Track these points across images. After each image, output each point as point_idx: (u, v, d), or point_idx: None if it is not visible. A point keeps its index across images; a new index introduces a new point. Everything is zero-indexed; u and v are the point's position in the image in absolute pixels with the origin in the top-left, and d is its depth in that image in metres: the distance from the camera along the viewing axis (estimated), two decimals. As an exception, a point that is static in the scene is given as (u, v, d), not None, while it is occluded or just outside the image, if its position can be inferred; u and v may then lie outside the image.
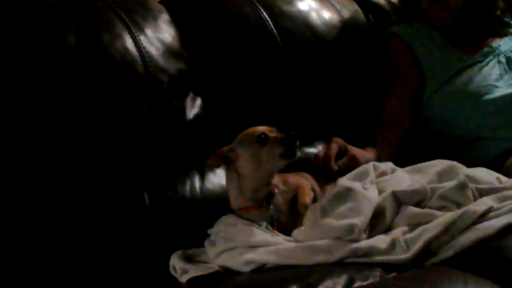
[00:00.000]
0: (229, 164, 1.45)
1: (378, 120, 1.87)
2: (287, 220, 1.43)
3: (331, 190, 1.44)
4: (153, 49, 1.64)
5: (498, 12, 1.98)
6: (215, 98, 1.73)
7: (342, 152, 1.61)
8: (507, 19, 2.00)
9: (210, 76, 1.74)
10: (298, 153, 1.41)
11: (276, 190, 1.44)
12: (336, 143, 1.60)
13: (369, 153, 1.69)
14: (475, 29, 1.96)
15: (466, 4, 1.92)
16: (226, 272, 1.31)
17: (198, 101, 1.69)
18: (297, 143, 1.40)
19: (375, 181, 1.48)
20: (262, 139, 1.40)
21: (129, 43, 1.60)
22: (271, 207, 1.43)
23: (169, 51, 1.67)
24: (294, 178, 1.49)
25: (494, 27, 1.97)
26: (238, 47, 1.79)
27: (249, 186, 1.43)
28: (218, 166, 1.49)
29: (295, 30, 1.87)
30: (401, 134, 1.85)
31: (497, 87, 1.83)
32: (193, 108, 1.68)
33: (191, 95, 1.68)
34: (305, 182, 1.49)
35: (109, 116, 1.54)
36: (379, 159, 1.68)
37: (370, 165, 1.55)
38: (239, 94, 1.76)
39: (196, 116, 1.67)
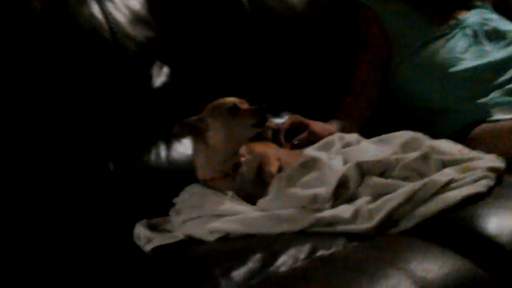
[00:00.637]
0: (197, 135, 1.45)
1: (344, 91, 1.87)
2: (253, 189, 1.44)
3: (297, 159, 1.44)
4: (120, 16, 1.62)
5: None
6: (182, 66, 1.72)
7: (301, 128, 1.62)
8: None
9: (177, 44, 1.73)
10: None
11: (242, 159, 1.44)
12: (292, 119, 1.60)
13: (331, 126, 1.70)
14: (443, 0, 1.96)
15: None
16: (190, 241, 1.31)
17: (165, 70, 1.68)
18: (267, 115, 1.41)
19: (341, 152, 1.49)
20: (234, 110, 1.40)
21: (95, 9, 1.59)
22: (237, 177, 1.43)
23: (136, 18, 1.66)
24: (259, 147, 1.50)
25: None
26: (204, 14, 1.78)
27: (217, 156, 1.43)
28: (185, 136, 1.50)
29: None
30: (366, 105, 1.86)
31: (463, 59, 1.84)
32: (160, 76, 1.67)
33: (158, 63, 1.67)
34: (271, 151, 1.50)
35: (75, 83, 1.53)
36: (344, 129, 1.69)
37: (336, 136, 1.57)
38: (206, 62, 1.75)
39: (163, 85, 1.66)
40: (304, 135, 1.61)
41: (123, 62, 1.59)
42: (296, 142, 1.57)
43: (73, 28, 1.53)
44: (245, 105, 1.42)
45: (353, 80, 1.89)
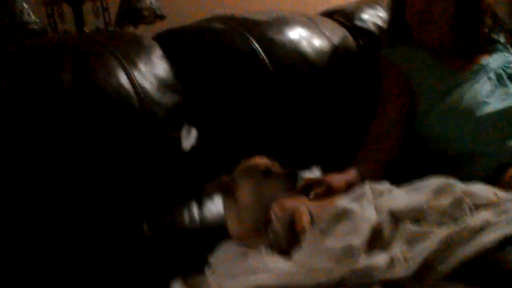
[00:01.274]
0: (227, 194, 1.46)
1: (364, 140, 1.88)
2: (287, 245, 1.43)
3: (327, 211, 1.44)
4: (147, 84, 1.66)
5: (486, 30, 2.00)
6: (210, 128, 1.75)
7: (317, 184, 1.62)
8: (495, 36, 2.03)
9: (205, 108, 1.77)
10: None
11: (273, 217, 1.45)
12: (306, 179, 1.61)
13: (349, 175, 1.69)
14: (464, 47, 1.98)
15: (453, 23, 1.95)
16: (228, 299, 1.31)
17: (194, 132, 1.71)
18: (300, 179, 1.44)
19: (373, 202, 1.49)
20: (267, 174, 1.43)
21: (123, 79, 1.63)
22: (270, 233, 1.44)
23: (162, 84, 1.70)
24: (290, 203, 1.50)
25: (482, 44, 1.99)
26: (230, 78, 1.82)
27: (248, 215, 1.44)
28: (215, 192, 1.51)
29: (286, 59, 1.89)
30: (386, 151, 1.84)
31: (488, 103, 1.84)
32: (189, 138, 1.70)
33: (186, 126, 1.70)
34: (301, 206, 1.50)
35: (108, 151, 1.56)
36: (363, 177, 1.68)
37: (367, 187, 1.56)
38: (233, 124, 1.78)
39: (192, 147, 1.69)
40: (320, 189, 1.60)
41: (153, 127, 1.63)
42: (311, 197, 1.57)
43: (102, 97, 1.58)
44: (277, 168, 1.44)
45: (372, 127, 1.89)
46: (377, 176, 1.70)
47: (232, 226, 1.46)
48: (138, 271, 1.49)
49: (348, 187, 1.61)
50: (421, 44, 1.98)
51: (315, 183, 1.60)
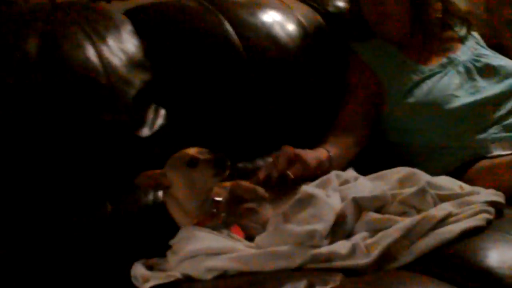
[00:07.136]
0: (165, 190, 1.47)
1: (332, 126, 1.87)
2: (235, 216, 1.45)
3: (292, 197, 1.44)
4: (116, 59, 1.63)
5: (437, 14, 1.98)
6: (179, 108, 1.73)
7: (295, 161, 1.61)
8: (450, 23, 2.02)
9: (174, 87, 1.74)
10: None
11: (217, 198, 1.45)
12: (286, 152, 1.59)
13: (320, 154, 1.68)
14: (426, 38, 1.97)
15: (410, 13, 1.93)
16: (187, 280, 1.30)
17: (162, 112, 1.69)
18: (227, 163, 1.42)
19: (338, 189, 1.49)
20: (192, 163, 1.42)
21: (91, 53, 1.60)
22: (222, 214, 1.44)
23: (131, 61, 1.67)
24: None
25: (434, 29, 1.97)
26: (201, 58, 1.79)
27: (189, 206, 1.44)
28: (150, 188, 1.53)
29: (258, 42, 1.87)
30: (353, 140, 1.83)
31: (457, 96, 1.84)
32: (157, 118, 1.68)
33: (154, 106, 1.68)
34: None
35: (71, 127, 1.53)
36: (331, 160, 1.68)
37: (332, 174, 1.56)
38: (202, 104, 1.76)
39: (160, 127, 1.67)
40: (297, 168, 1.59)
41: (120, 105, 1.60)
42: (291, 176, 1.56)
43: (68, 71, 1.54)
44: (205, 155, 1.43)
45: (340, 115, 1.89)
46: (343, 162, 1.71)
47: (179, 219, 1.46)
48: (100, 250, 1.47)
49: (320, 167, 1.62)
50: (387, 39, 1.97)
51: (292, 160, 1.59)
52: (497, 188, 1.46)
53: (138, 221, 1.54)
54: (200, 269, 1.29)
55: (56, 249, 1.44)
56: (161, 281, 1.30)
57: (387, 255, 1.24)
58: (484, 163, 1.74)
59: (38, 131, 1.48)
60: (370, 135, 1.90)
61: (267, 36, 1.91)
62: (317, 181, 1.57)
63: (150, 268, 1.38)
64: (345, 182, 1.54)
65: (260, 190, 1.46)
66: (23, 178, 1.46)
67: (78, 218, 1.48)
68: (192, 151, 1.44)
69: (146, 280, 1.33)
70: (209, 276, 1.27)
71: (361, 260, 1.22)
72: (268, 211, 1.46)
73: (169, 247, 1.43)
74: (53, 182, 1.49)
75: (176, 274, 1.31)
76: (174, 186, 1.44)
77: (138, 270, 1.36)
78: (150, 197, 1.58)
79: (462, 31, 2.04)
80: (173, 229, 1.45)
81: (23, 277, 1.39)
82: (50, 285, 1.39)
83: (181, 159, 1.44)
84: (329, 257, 1.24)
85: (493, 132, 1.80)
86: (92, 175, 1.54)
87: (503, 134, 1.80)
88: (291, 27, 1.97)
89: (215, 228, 1.41)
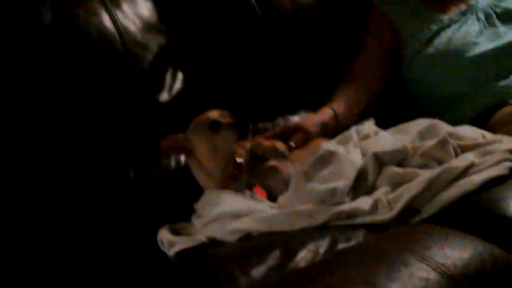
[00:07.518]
0: (188, 154, 1.47)
1: (343, 78, 1.86)
2: (258, 175, 1.45)
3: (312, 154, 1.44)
4: (131, 24, 1.63)
5: None
6: (196, 71, 1.72)
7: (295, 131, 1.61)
8: None
9: (190, 49, 1.74)
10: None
11: (238, 159, 1.45)
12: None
13: (323, 115, 1.68)
14: None
15: None
16: (212, 243, 1.32)
17: (180, 75, 1.69)
18: (250, 126, 1.43)
19: (358, 145, 1.49)
20: (215, 126, 1.42)
21: (106, 19, 1.60)
22: (244, 175, 1.44)
23: (146, 26, 1.67)
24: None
25: None
26: (216, 20, 1.79)
27: (213, 169, 1.45)
28: (173, 153, 1.54)
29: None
30: (362, 90, 1.83)
31: (478, 43, 1.81)
32: (175, 82, 1.68)
33: (171, 69, 1.68)
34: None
35: (89, 95, 1.54)
36: (337, 117, 1.68)
37: (353, 129, 1.56)
38: (220, 66, 1.76)
39: (178, 91, 1.67)
40: (297, 137, 1.59)
41: (137, 70, 1.60)
42: (293, 145, 1.56)
43: (83, 38, 1.55)
44: (227, 119, 1.44)
45: (353, 65, 1.88)
46: (354, 115, 1.70)
47: (203, 182, 1.47)
48: (125, 216, 1.49)
49: (324, 129, 1.62)
50: None
51: (292, 130, 1.59)
52: (520, 135, 1.45)
53: (162, 186, 1.56)
54: (224, 231, 1.30)
55: (82, 219, 1.46)
56: (187, 245, 1.32)
57: (410, 208, 1.23)
58: (507, 109, 1.71)
59: (56, 100, 1.49)
60: (382, 87, 1.88)
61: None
62: (338, 137, 1.57)
63: (175, 232, 1.40)
64: (366, 137, 1.54)
65: (280, 148, 1.46)
66: (44, 148, 1.48)
67: (102, 185, 1.50)
68: (214, 114, 1.45)
69: (172, 245, 1.34)
70: (233, 238, 1.29)
71: (384, 215, 1.22)
72: (289, 168, 1.46)
73: (194, 210, 1.44)
74: (74, 151, 1.51)
75: (201, 237, 1.32)
76: (197, 150, 1.45)
77: (164, 235, 1.38)
78: (173, 161, 1.59)
79: None
80: (197, 192, 1.46)
81: (47, 246, 1.42)
82: (77, 254, 1.41)
83: (203, 122, 1.44)
84: (352, 214, 1.24)
85: (515, 77, 1.78)
86: (114, 142, 1.55)
87: (526, 79, 1.77)
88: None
89: (238, 190, 1.42)
